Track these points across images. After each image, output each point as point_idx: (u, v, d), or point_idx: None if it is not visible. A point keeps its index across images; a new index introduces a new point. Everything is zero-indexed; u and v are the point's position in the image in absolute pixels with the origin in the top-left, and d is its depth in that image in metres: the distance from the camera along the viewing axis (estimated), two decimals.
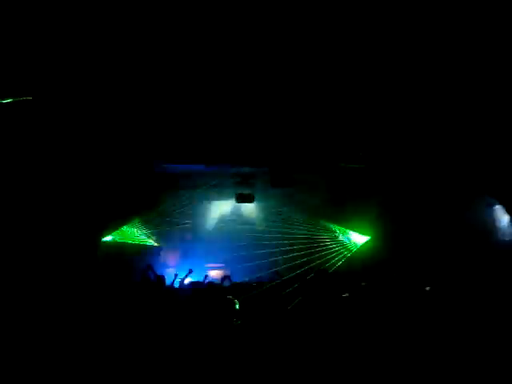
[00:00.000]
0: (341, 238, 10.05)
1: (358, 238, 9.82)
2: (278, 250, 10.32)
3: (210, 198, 11.53)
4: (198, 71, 6.04)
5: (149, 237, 11.58)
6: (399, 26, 5.36)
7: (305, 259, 9.48)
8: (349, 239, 9.97)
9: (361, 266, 9.12)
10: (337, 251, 9.88)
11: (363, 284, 6.53)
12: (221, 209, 12.07)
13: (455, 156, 8.43)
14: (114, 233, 10.28)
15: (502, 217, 8.61)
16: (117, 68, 5.89)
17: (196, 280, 8.55)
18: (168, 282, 7.72)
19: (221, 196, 11.10)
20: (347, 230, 9.90)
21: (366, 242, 9.75)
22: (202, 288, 6.44)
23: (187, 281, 8.36)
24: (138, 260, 10.13)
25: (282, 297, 5.79)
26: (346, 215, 9.72)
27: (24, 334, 4.19)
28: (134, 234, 11.10)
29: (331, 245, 9.98)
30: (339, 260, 9.53)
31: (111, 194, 8.64)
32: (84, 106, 6.62)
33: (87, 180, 7.91)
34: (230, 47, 5.61)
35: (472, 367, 3.20)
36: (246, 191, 10.08)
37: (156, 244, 11.81)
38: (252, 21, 5.11)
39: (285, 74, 6.36)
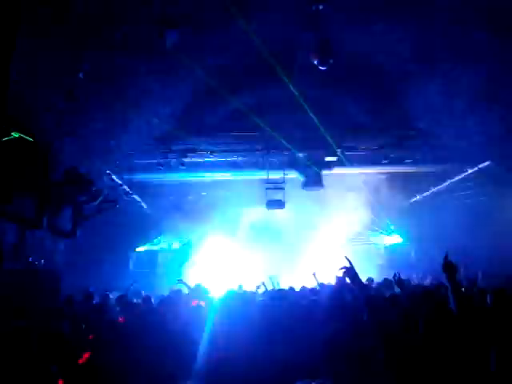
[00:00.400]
0: (372, 237, 10.22)
1: (387, 239, 9.96)
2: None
3: (241, 205, 11.82)
4: None
5: None
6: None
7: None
8: (380, 239, 10.12)
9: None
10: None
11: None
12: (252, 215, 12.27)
13: None
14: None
15: None
16: None
17: None
18: None
19: (252, 202, 11.32)
20: (379, 231, 10.07)
21: (397, 244, 9.90)
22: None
23: None
24: None
25: None
26: (377, 217, 9.91)
27: None
28: None
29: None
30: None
31: None
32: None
33: None
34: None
35: None
36: (277, 197, 10.32)
37: None
38: None
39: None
